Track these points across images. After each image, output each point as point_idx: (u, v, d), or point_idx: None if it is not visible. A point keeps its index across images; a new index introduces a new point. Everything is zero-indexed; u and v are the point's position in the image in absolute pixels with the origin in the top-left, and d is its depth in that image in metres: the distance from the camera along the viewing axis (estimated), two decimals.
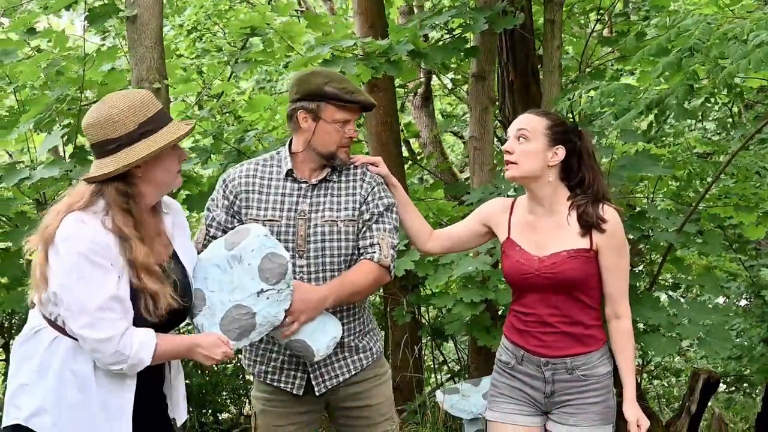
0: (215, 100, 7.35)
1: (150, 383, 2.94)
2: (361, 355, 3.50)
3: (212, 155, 5.87)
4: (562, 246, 3.27)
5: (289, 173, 3.40)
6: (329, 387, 3.42)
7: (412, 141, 9.90)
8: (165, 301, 2.79)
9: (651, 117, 5.04)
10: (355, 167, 3.50)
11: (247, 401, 6.93)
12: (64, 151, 5.18)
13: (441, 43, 5.68)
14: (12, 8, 5.99)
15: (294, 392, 3.41)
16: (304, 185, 3.39)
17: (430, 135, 9.62)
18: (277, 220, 3.35)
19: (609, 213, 3.26)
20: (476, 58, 5.65)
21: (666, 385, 9.19)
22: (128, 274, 2.76)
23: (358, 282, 3.36)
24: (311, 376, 3.39)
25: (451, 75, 7.87)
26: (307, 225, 3.34)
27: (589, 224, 3.26)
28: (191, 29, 8.06)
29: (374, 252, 3.39)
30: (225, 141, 5.94)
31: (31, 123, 5.02)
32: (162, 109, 2.89)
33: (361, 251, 3.42)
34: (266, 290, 2.95)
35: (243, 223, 3.35)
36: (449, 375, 6.72)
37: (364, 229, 3.41)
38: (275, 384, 3.42)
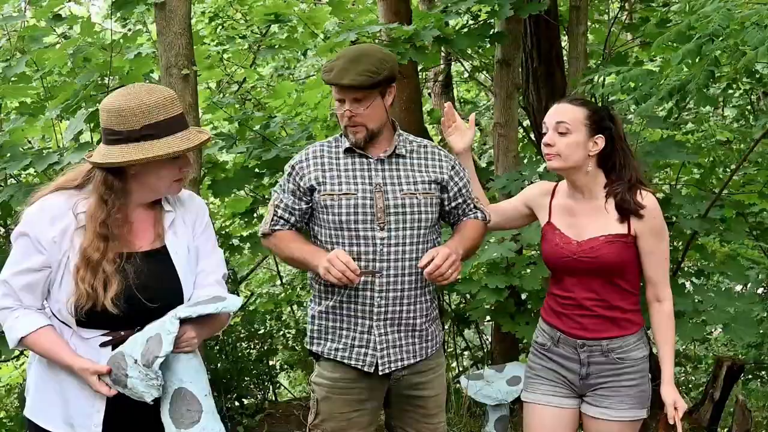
0: (237, 86, 7.38)
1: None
2: (429, 342, 3.52)
3: (237, 141, 5.89)
4: (600, 231, 3.30)
5: (349, 150, 3.45)
6: (393, 369, 3.43)
7: (429, 128, 9.88)
8: (92, 296, 2.69)
9: (671, 103, 5.03)
10: (424, 145, 3.56)
11: (271, 386, 6.98)
12: (92, 137, 5.21)
13: (466, 29, 5.65)
14: None
15: (365, 370, 3.41)
16: (371, 160, 3.44)
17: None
18: (353, 193, 3.38)
19: (647, 198, 3.27)
20: (501, 44, 5.64)
21: (687, 371, 9.17)
22: (70, 259, 2.73)
23: (473, 236, 3.51)
24: (379, 355, 3.41)
25: (472, 61, 7.83)
26: (384, 197, 3.37)
27: (627, 211, 3.27)
28: (213, 16, 8.08)
29: (477, 212, 3.56)
30: (249, 127, 5.96)
31: (58, 109, 5.05)
32: (177, 116, 2.79)
33: (461, 215, 3.56)
34: (139, 364, 2.63)
35: (310, 206, 3.44)
36: (472, 361, 6.74)
37: (457, 199, 3.52)
38: (345, 361, 3.43)
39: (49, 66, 5.24)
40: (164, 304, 2.79)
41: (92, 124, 5.19)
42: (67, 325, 2.76)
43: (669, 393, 3.29)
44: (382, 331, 3.41)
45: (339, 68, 3.31)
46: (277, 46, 6.27)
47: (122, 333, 2.74)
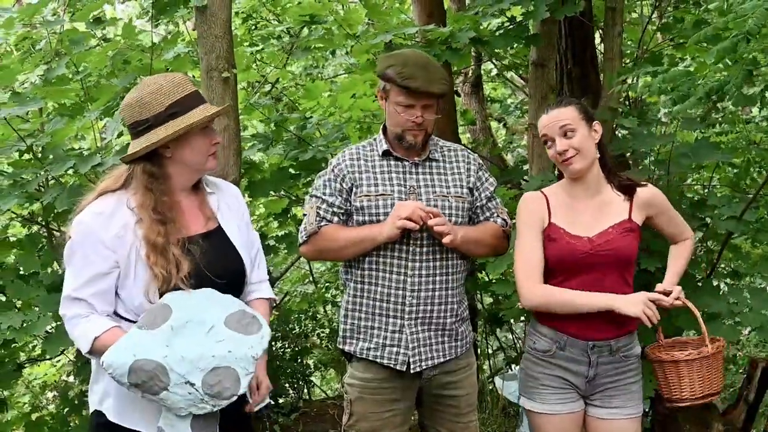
0: (271, 87, 7.41)
1: None
2: (459, 342, 3.59)
3: (273, 142, 5.94)
4: (606, 223, 3.37)
5: (387, 153, 3.54)
6: (424, 367, 3.48)
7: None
8: (167, 278, 2.79)
9: (708, 104, 5.02)
10: (454, 149, 3.67)
11: (306, 386, 7.02)
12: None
13: (501, 30, 5.66)
14: None
15: (397, 368, 3.46)
16: (407, 163, 3.54)
17: (480, 121, 9.62)
18: (389, 194, 3.48)
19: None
20: (536, 45, 5.65)
21: None
22: (139, 249, 2.81)
23: (484, 232, 3.58)
24: (410, 353, 3.46)
25: (504, 62, 7.83)
26: (418, 199, 3.46)
27: (629, 186, 3.43)
28: (247, 16, 8.12)
29: (498, 218, 3.62)
30: (285, 128, 6.01)
31: (98, 111, 5.11)
32: (195, 92, 2.93)
33: (479, 215, 3.62)
34: (198, 389, 2.62)
35: (352, 205, 3.50)
36: (506, 361, 6.75)
37: (483, 205, 3.61)
38: (378, 360, 3.49)
39: (90, 69, 5.30)
40: (230, 279, 2.94)
41: None
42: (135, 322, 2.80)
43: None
44: (414, 330, 3.47)
45: (421, 76, 3.38)
46: (312, 47, 6.29)
47: None
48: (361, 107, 6.74)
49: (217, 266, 2.92)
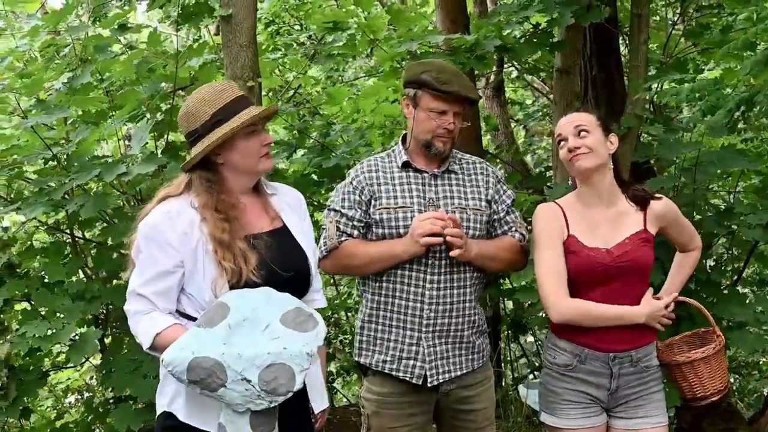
0: (293, 93, 7.40)
1: None
2: (476, 355, 3.55)
3: (296, 149, 5.94)
4: (623, 234, 3.34)
5: (406, 165, 3.51)
6: (441, 380, 3.45)
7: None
8: (236, 272, 2.81)
9: (737, 114, 4.98)
10: (473, 161, 3.63)
11: (328, 393, 6.98)
12: (156, 147, 5.27)
13: (526, 37, 5.63)
14: (101, 4, 6.08)
15: (413, 382, 3.43)
16: (426, 175, 3.51)
17: (502, 125, 9.59)
18: (408, 206, 3.45)
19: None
20: (561, 52, 5.62)
21: (741, 379, 9.05)
22: (206, 245, 2.84)
23: (501, 247, 3.53)
24: (427, 366, 3.43)
25: (525, 66, 7.80)
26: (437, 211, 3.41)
27: (643, 198, 3.42)
28: (269, 22, 8.11)
29: (516, 233, 3.57)
30: (308, 135, 6.00)
31: (124, 119, 5.12)
32: (239, 97, 2.95)
33: (497, 228, 3.58)
34: (255, 386, 2.64)
35: (371, 218, 3.47)
36: (530, 369, 6.72)
37: (501, 218, 3.57)
38: (393, 373, 3.45)
39: (115, 76, 5.30)
40: (295, 275, 2.95)
41: (156, 134, 5.26)
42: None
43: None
44: (431, 342, 3.44)
45: (454, 80, 3.39)
46: (336, 54, 6.28)
47: None
48: (384, 113, 6.73)
49: (282, 261, 2.93)
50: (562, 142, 3.39)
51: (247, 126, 2.88)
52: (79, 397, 7.58)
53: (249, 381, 2.61)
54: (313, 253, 3.10)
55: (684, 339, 3.62)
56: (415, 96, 3.49)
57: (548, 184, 6.43)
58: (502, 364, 6.80)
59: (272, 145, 3.05)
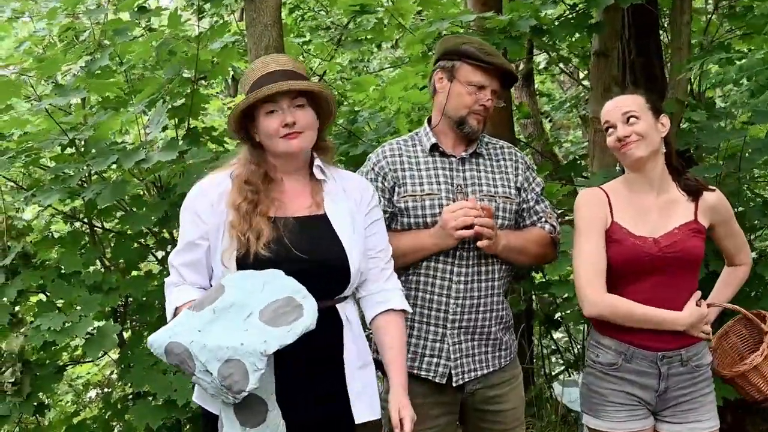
0: (318, 80, 7.20)
1: (320, 369, 2.78)
2: (503, 352, 3.34)
3: None
4: (672, 224, 3.13)
5: (434, 147, 3.29)
6: (467, 380, 3.24)
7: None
8: (244, 243, 2.69)
9: None
10: (501, 146, 3.42)
11: None
12: (177, 133, 5.07)
13: (563, 18, 5.39)
14: None
15: (437, 381, 3.23)
16: (453, 159, 3.29)
17: (532, 115, 9.37)
18: (436, 194, 3.23)
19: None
20: (600, 34, 5.37)
21: None
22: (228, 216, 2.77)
23: (530, 239, 3.31)
24: (452, 365, 3.23)
25: (558, 53, 7.56)
26: (465, 199, 3.19)
27: (696, 188, 3.21)
28: (294, 7, 7.91)
29: (546, 224, 3.35)
30: (335, 122, 5.79)
31: (143, 104, 4.92)
32: (278, 71, 2.81)
33: (526, 219, 3.37)
34: (215, 378, 2.46)
35: (395, 206, 3.25)
36: (564, 365, 6.49)
37: (530, 207, 3.36)
38: (415, 372, 3.23)
39: (134, 60, 5.12)
40: (323, 263, 2.75)
41: (177, 120, 5.07)
42: None
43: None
44: (456, 339, 3.23)
45: (495, 53, 3.22)
46: (363, 39, 6.09)
47: None
48: (412, 99, 6.54)
49: (304, 244, 2.75)
50: (610, 130, 3.18)
51: (265, 103, 2.75)
52: (100, 392, 7.43)
53: (211, 374, 2.45)
54: (355, 245, 2.84)
55: (738, 325, 3.42)
56: (452, 68, 3.28)
57: (583, 173, 6.20)
58: (534, 361, 6.58)
59: (297, 124, 2.79)
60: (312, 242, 2.76)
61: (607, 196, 3.22)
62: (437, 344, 3.24)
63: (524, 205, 3.36)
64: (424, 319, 3.24)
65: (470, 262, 3.22)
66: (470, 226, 3.09)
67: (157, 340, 2.52)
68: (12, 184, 5.07)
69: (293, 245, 2.72)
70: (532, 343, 6.08)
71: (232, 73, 6.79)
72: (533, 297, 6.24)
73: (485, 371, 3.28)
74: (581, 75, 8.30)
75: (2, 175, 4.82)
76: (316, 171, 2.90)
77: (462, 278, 3.21)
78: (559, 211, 4.37)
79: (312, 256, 2.73)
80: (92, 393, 7.61)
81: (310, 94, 2.80)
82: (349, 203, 2.91)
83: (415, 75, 6.35)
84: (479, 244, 3.12)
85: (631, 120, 3.11)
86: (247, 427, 2.53)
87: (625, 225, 3.15)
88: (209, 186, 2.83)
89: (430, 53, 6.20)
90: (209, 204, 2.77)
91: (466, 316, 3.23)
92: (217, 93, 9.53)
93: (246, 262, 2.67)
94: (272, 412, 2.57)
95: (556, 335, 6.87)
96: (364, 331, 2.98)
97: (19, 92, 4.50)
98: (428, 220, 3.21)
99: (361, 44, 6.29)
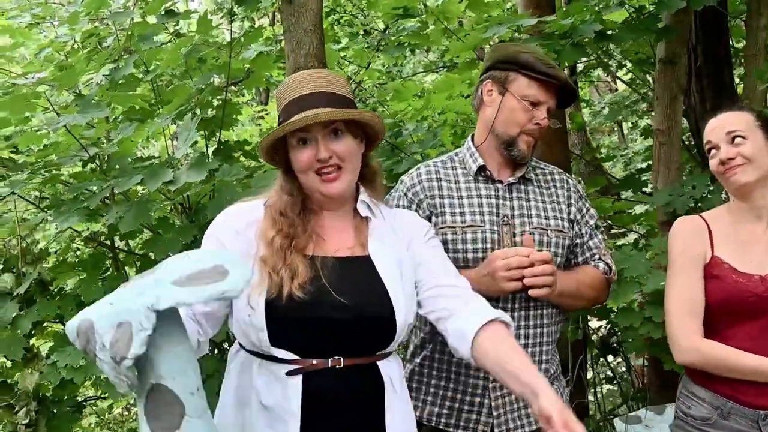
0: (355, 88, 6.81)
1: (355, 401, 2.37)
2: None
3: None
4: None
5: (481, 170, 2.87)
6: None
7: None
8: (276, 282, 2.29)
9: None
10: (550, 171, 3.01)
11: None
12: (207, 147, 4.65)
13: (628, 22, 4.94)
14: None
15: None
16: (499, 185, 2.87)
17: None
18: (479, 225, 2.81)
19: None
20: (668, 40, 4.92)
21: None
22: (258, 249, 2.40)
23: (584, 281, 2.90)
24: (495, 422, 2.80)
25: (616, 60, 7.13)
26: (512, 233, 2.80)
27: None
28: (330, 11, 7.51)
29: (600, 263, 2.93)
30: None
31: (171, 116, 4.50)
32: (310, 94, 2.39)
33: (578, 256, 2.95)
34: (107, 350, 1.92)
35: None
36: (622, 398, 6.03)
37: (584, 242, 2.94)
38: (451, 429, 2.84)
39: (161, 68, 4.72)
40: (360, 308, 2.33)
41: (207, 132, 4.66)
42: (255, 353, 2.36)
43: None
44: (499, 393, 2.81)
45: (559, 70, 2.82)
46: (406, 44, 5.68)
47: (314, 362, 2.30)
48: (457, 109, 6.11)
49: (345, 289, 2.34)
50: (713, 151, 2.78)
51: (296, 130, 2.37)
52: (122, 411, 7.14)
53: (104, 346, 1.91)
54: (403, 294, 2.40)
55: None
56: (505, 79, 2.86)
57: (642, 188, 5.76)
58: (587, 387, 6.14)
59: (334, 158, 2.38)
60: (354, 288, 2.36)
61: (708, 225, 2.85)
62: (477, 398, 2.84)
63: (577, 240, 2.96)
64: (461, 370, 2.85)
65: (517, 305, 2.83)
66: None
67: (71, 323, 1.99)
68: (28, 203, 4.68)
69: (333, 288, 2.33)
70: (586, 375, 5.63)
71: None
72: (587, 324, 5.79)
73: (533, 426, 2.86)
74: (624, 80, 7.84)
75: (18, 194, 4.42)
76: (360, 208, 2.50)
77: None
78: (612, 231, 3.96)
79: (353, 304, 2.32)
80: (116, 411, 7.36)
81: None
82: (398, 245, 2.50)
83: (461, 83, 5.94)
84: (533, 293, 2.71)
85: (737, 140, 2.73)
86: None
87: (728, 259, 2.77)
88: (236, 212, 2.48)
89: (477, 61, 5.80)
90: (233, 231, 2.42)
91: None
92: (248, 101, 9.15)
93: (277, 304, 2.28)
94: (192, 421, 1.99)
95: (611, 360, 6.44)
96: (409, 392, 2.58)
97: (33, 107, 4.09)
98: (469, 255, 2.81)
99: (404, 49, 5.88)
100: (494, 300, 2.74)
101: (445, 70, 8.46)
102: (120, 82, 4.76)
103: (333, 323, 2.29)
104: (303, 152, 2.38)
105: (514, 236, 2.80)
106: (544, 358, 2.89)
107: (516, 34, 4.83)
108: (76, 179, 4.51)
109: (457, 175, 2.91)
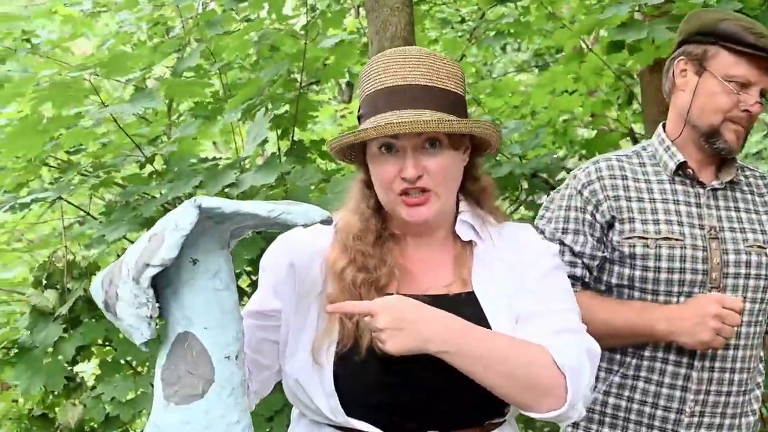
0: None
1: None
2: None
3: None
4: None
5: (681, 169, 2.32)
6: None
7: None
8: (350, 331, 1.78)
9: None
10: (762, 175, 2.45)
11: None
12: (278, 147, 4.12)
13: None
14: None
15: None
16: (701, 190, 2.31)
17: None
18: (678, 239, 2.26)
19: None
20: None
21: None
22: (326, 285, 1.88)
23: None
24: None
25: None
26: (722, 249, 2.25)
27: None
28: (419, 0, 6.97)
29: None
30: None
31: (239, 111, 3.97)
32: (396, 87, 1.80)
33: None
34: (130, 276, 1.57)
35: (612, 249, 2.31)
36: None
37: None
38: None
39: (228, 56, 4.21)
40: None
41: (279, 131, 4.12)
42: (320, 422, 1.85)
43: None
44: None
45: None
46: (505, 32, 5.11)
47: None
48: (561, 107, 5.50)
49: None
50: None
51: (376, 140, 1.82)
52: None
53: (128, 274, 1.54)
54: (511, 325, 1.81)
55: None
56: (703, 55, 2.28)
57: None
58: None
59: (423, 178, 1.80)
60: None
61: None
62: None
63: None
64: (643, 420, 2.34)
65: (715, 365, 2.31)
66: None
67: (96, 284, 1.66)
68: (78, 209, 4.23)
69: None
70: None
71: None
72: None
73: None
74: None
75: (66, 200, 3.95)
76: (461, 229, 1.90)
77: (707, 363, 2.28)
78: None
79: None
80: None
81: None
82: (506, 273, 1.88)
83: (566, 77, 5.32)
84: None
85: None
86: (171, 403, 1.58)
87: None
88: (300, 237, 1.89)
89: (587, 51, 5.16)
90: (288, 263, 1.89)
91: (707, 419, 2.32)
92: (329, 99, 8.63)
93: (351, 359, 1.78)
94: (218, 389, 1.58)
95: None
96: None
97: (79, 98, 3.58)
98: (662, 276, 2.27)
99: (504, 38, 5.30)
100: (686, 356, 2.28)
101: (537, 70, 7.88)
102: (186, 75, 4.28)
103: (426, 385, 1.76)
104: (385, 164, 1.81)
105: (726, 254, 2.27)
106: (746, 409, 2.39)
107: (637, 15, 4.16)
108: (130, 183, 4.00)
109: (647, 173, 2.38)
